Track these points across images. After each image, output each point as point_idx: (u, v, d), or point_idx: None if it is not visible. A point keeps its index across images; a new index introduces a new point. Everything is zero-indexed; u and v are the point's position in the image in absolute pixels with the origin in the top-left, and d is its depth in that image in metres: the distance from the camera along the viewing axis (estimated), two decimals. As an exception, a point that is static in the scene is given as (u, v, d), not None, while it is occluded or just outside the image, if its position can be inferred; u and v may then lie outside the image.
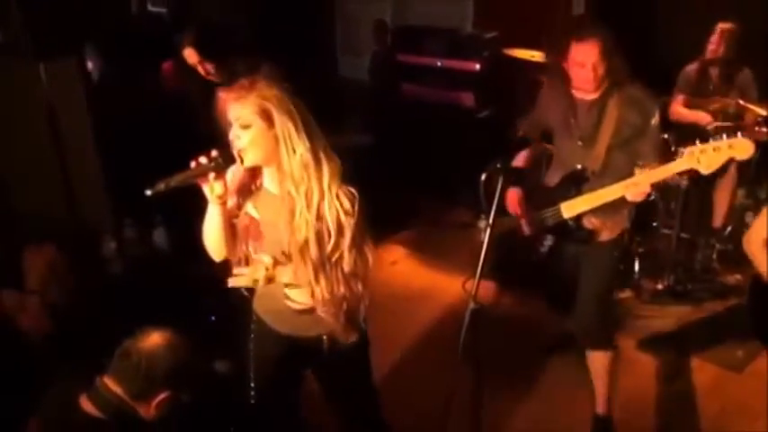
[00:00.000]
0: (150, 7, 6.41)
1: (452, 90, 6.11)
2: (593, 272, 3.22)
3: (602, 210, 3.02)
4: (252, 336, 2.62)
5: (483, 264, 2.40)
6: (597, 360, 3.32)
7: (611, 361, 3.32)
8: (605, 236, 3.16)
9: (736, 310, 4.22)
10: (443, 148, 5.93)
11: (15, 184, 3.56)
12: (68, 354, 2.89)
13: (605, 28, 2.91)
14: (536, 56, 5.34)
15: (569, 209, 3.07)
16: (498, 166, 2.90)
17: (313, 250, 2.22)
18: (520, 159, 3.47)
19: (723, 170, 4.84)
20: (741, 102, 4.40)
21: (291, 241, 2.23)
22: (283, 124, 2.13)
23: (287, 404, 2.72)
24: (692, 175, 2.94)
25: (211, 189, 2.12)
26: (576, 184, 3.07)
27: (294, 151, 2.14)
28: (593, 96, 2.99)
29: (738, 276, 4.56)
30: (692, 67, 4.74)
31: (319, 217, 2.20)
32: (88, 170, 3.83)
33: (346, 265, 2.29)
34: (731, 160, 2.78)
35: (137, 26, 6.07)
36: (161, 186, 1.95)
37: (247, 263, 2.38)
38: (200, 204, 2.23)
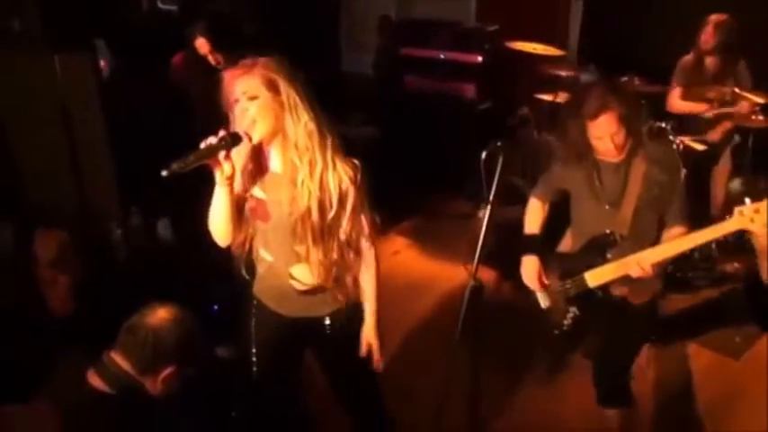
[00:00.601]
0: (161, 5, 6.45)
1: (455, 82, 6.17)
2: (619, 336, 3.00)
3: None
4: (253, 320, 2.64)
5: (483, 242, 2.41)
6: (612, 417, 3.06)
7: (628, 419, 3.05)
8: (636, 300, 2.92)
9: (733, 297, 4.28)
10: (445, 140, 6.01)
11: (28, 172, 3.62)
12: (79, 334, 2.95)
13: (614, 89, 2.71)
14: (537, 48, 5.39)
15: (595, 277, 2.84)
16: (498, 144, 2.81)
17: (315, 218, 2.28)
18: (532, 223, 3.10)
19: (719, 160, 4.94)
20: (737, 90, 4.43)
21: (293, 209, 2.29)
22: (289, 93, 2.19)
23: (288, 388, 2.75)
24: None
25: (221, 170, 2.14)
26: (601, 250, 2.85)
27: (299, 119, 2.21)
28: (618, 158, 2.78)
29: (736, 264, 4.61)
30: (687, 59, 4.79)
31: (322, 187, 2.26)
32: (97, 160, 3.88)
33: (343, 233, 2.37)
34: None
35: (147, 23, 6.12)
36: (175, 167, 1.96)
37: (251, 247, 2.44)
38: (202, 196, 2.27)
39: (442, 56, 6.20)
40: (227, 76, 2.24)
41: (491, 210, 2.47)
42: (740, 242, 4.22)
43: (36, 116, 3.55)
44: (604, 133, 2.66)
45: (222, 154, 2.11)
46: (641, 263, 2.66)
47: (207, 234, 2.35)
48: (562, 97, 5.06)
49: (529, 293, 3.09)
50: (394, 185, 5.19)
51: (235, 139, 2.14)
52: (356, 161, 2.34)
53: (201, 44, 4.10)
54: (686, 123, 4.66)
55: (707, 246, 4.78)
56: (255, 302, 2.62)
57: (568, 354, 3.79)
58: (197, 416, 2.36)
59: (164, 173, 1.94)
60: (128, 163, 4.21)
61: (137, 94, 4.40)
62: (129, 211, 4.45)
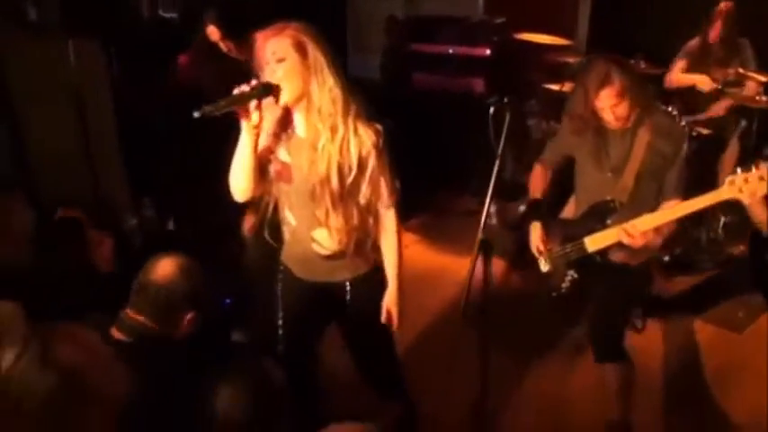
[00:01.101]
0: (162, 12, 6.55)
1: (464, 76, 6.19)
2: (612, 293, 3.04)
3: None
4: (279, 285, 2.70)
5: (493, 188, 2.44)
6: (609, 372, 3.07)
7: (625, 373, 3.05)
8: (633, 261, 2.99)
9: (736, 274, 4.33)
10: (453, 136, 5.99)
11: (42, 157, 3.72)
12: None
13: (616, 62, 2.78)
14: (545, 39, 5.45)
15: (594, 242, 2.93)
16: (505, 100, 2.85)
17: (334, 183, 2.31)
18: (536, 189, 3.21)
19: (726, 144, 4.97)
20: (741, 71, 4.45)
21: (312, 173, 2.32)
22: (316, 57, 2.23)
23: (310, 354, 2.79)
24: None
25: (249, 118, 2.19)
26: (602, 216, 2.94)
27: (324, 84, 2.25)
28: (623, 127, 2.86)
29: (742, 247, 4.64)
30: (693, 42, 4.85)
31: (342, 152, 2.29)
32: (108, 147, 3.99)
33: (362, 197, 2.40)
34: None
35: (148, 29, 6.22)
36: (207, 109, 2.01)
37: (276, 207, 2.50)
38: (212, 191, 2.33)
39: (450, 50, 6.22)
40: (259, 37, 2.27)
41: (499, 164, 2.49)
42: (746, 225, 4.24)
43: (50, 102, 3.64)
44: (605, 105, 2.75)
45: (253, 103, 2.16)
46: (631, 229, 2.73)
47: (217, 227, 2.40)
48: (569, 87, 5.12)
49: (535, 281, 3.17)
50: (402, 183, 5.21)
51: (266, 89, 2.19)
52: (379, 126, 2.36)
53: (212, 31, 4.22)
54: (689, 102, 4.70)
55: (713, 229, 4.84)
56: (282, 268, 2.68)
57: (567, 325, 3.86)
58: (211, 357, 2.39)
59: (196, 114, 1.98)
60: (139, 156, 4.34)
61: (141, 94, 4.52)
62: (142, 202, 4.55)
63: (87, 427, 1.66)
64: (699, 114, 4.75)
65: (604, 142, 2.91)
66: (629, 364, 3.01)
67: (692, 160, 4.42)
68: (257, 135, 2.26)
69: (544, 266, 3.11)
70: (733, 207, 4.82)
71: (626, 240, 2.76)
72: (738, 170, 2.59)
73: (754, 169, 2.55)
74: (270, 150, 2.41)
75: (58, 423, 1.61)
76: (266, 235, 2.57)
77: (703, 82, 4.69)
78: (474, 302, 2.37)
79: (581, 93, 2.81)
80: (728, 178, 2.60)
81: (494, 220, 5.36)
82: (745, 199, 2.57)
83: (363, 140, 2.32)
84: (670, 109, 4.57)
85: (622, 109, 2.75)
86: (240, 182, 2.35)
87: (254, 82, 2.18)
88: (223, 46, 4.20)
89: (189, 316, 2.24)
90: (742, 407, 3.37)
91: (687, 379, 3.65)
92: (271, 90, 2.20)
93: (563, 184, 3.24)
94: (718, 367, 3.69)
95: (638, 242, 2.74)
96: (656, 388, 3.56)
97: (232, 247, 3.94)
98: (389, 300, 2.60)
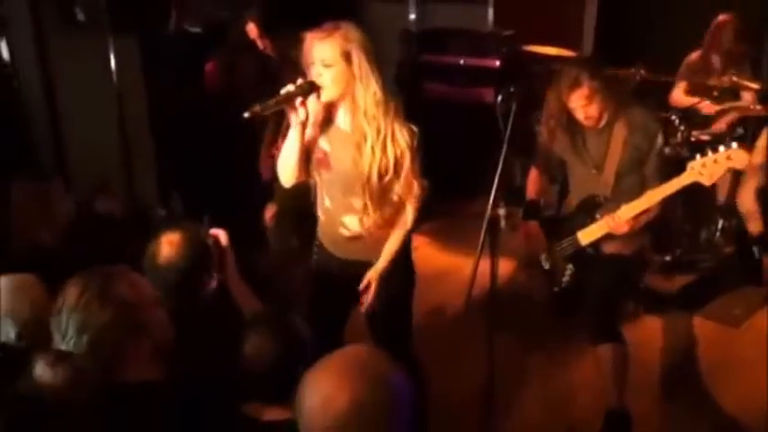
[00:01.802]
0: (187, 26, 6.73)
1: (474, 87, 6.35)
2: (607, 281, 3.21)
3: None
4: (314, 257, 2.93)
5: (501, 175, 2.67)
6: (604, 353, 3.16)
7: (619, 354, 3.15)
8: (624, 251, 3.23)
9: (732, 272, 4.47)
10: (464, 143, 6.13)
11: (80, 151, 3.97)
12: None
13: (587, 67, 3.05)
14: (552, 51, 5.66)
15: (586, 236, 3.18)
16: (512, 90, 3.12)
17: (373, 181, 2.52)
18: (532, 191, 3.47)
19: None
20: (735, 78, 4.57)
21: (355, 173, 2.53)
22: (361, 62, 2.42)
23: (337, 327, 2.93)
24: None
25: (296, 114, 2.40)
26: (589, 210, 3.19)
27: (368, 88, 2.44)
28: (598, 124, 3.12)
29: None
30: (693, 57, 5.01)
31: (383, 151, 2.49)
32: (143, 142, 4.23)
33: (395, 194, 2.61)
34: (730, 168, 2.96)
35: (174, 41, 6.44)
36: (257, 109, 2.24)
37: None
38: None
39: (461, 61, 6.42)
40: (308, 38, 2.46)
41: (506, 151, 2.72)
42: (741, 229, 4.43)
43: (91, 97, 3.89)
44: (576, 105, 3.03)
45: (298, 100, 2.38)
46: (615, 219, 3.03)
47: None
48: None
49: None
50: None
51: (311, 87, 2.40)
52: (414, 127, 2.55)
53: (251, 29, 4.49)
54: (692, 116, 4.88)
55: (712, 232, 5.03)
56: (317, 242, 2.90)
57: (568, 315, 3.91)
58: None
59: (246, 114, 2.20)
60: (170, 151, 4.58)
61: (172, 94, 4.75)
62: (172, 196, 4.78)
63: (137, 357, 1.89)
64: (702, 130, 4.90)
65: (583, 140, 3.18)
66: (623, 346, 3.18)
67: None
68: (304, 128, 2.47)
69: (545, 263, 3.36)
70: (732, 212, 5.07)
71: (612, 229, 3.03)
72: (698, 156, 2.93)
73: (710, 154, 2.89)
74: (313, 139, 2.61)
75: (113, 351, 1.85)
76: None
77: (707, 107, 4.82)
78: (481, 295, 2.59)
79: (555, 95, 3.10)
80: (690, 164, 2.94)
81: (503, 224, 5.51)
82: (705, 181, 2.91)
83: (400, 141, 2.51)
84: (673, 117, 4.78)
85: (593, 109, 3.03)
86: (288, 169, 2.59)
87: (299, 81, 2.39)
88: (260, 44, 4.47)
89: (209, 284, 2.33)
90: (738, 399, 3.51)
91: (685, 372, 3.79)
92: (314, 88, 2.41)
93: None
94: (716, 361, 3.83)
95: (623, 229, 3.03)
96: (654, 381, 3.70)
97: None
98: (372, 274, 2.72)
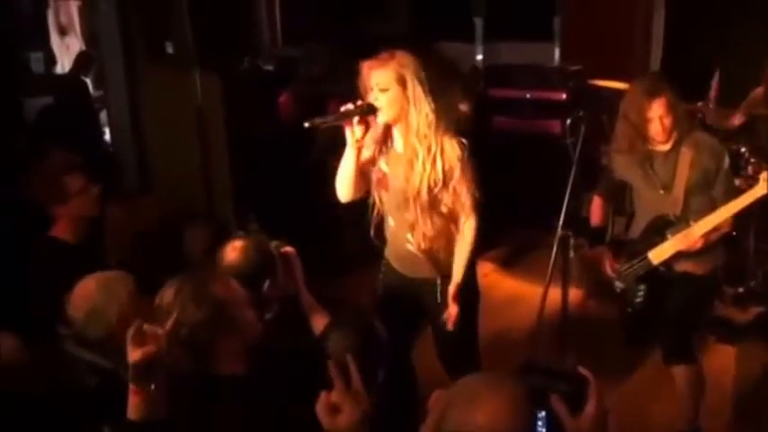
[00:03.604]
0: (261, 64, 7.00)
1: (541, 119, 6.46)
2: (681, 301, 3.20)
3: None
4: (381, 275, 3.06)
5: (570, 194, 2.77)
6: (680, 375, 3.20)
7: (694, 376, 3.20)
8: (698, 271, 3.20)
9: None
10: (533, 175, 6.26)
11: (164, 173, 4.19)
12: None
13: (670, 84, 3.11)
14: (617, 84, 5.70)
15: (657, 255, 3.17)
16: (581, 114, 3.14)
17: (423, 194, 2.65)
18: (596, 217, 3.50)
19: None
20: None
21: (407, 188, 2.67)
22: (415, 88, 2.58)
23: (405, 341, 3.03)
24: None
25: (353, 132, 2.56)
26: (660, 230, 3.18)
27: (421, 111, 2.59)
28: (666, 147, 3.13)
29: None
30: (758, 91, 4.98)
31: (434, 167, 2.63)
32: (220, 166, 4.44)
33: (444, 206, 2.72)
34: None
35: (248, 78, 6.72)
36: (317, 121, 2.42)
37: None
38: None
39: (528, 95, 6.54)
40: (366, 65, 2.64)
41: (575, 172, 2.79)
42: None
43: (175, 124, 4.12)
44: (655, 114, 3.02)
45: (356, 119, 2.54)
46: (688, 236, 3.02)
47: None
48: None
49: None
50: (485, 219, 5.42)
51: (369, 108, 2.56)
52: (464, 140, 2.69)
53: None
54: (759, 145, 4.83)
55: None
56: (384, 262, 3.04)
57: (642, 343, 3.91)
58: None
59: (306, 124, 2.37)
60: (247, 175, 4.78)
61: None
62: (248, 217, 4.97)
63: (228, 353, 2.01)
64: None
65: (650, 163, 3.18)
66: (699, 368, 3.18)
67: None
68: (360, 147, 2.63)
69: (617, 285, 3.35)
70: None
71: (686, 246, 3.03)
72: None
73: None
74: (372, 160, 2.78)
75: (205, 348, 1.97)
76: (372, 235, 2.91)
77: None
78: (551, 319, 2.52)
79: (633, 106, 3.09)
80: (762, 175, 2.91)
81: (572, 254, 5.52)
82: None
83: (449, 155, 2.65)
84: (743, 151, 4.71)
85: (669, 122, 3.03)
86: (343, 185, 2.74)
87: (359, 102, 2.56)
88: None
89: (266, 284, 2.47)
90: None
91: (758, 401, 3.74)
92: (372, 110, 2.57)
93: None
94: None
95: (697, 245, 3.02)
96: (728, 408, 3.65)
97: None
98: (452, 288, 2.80)
